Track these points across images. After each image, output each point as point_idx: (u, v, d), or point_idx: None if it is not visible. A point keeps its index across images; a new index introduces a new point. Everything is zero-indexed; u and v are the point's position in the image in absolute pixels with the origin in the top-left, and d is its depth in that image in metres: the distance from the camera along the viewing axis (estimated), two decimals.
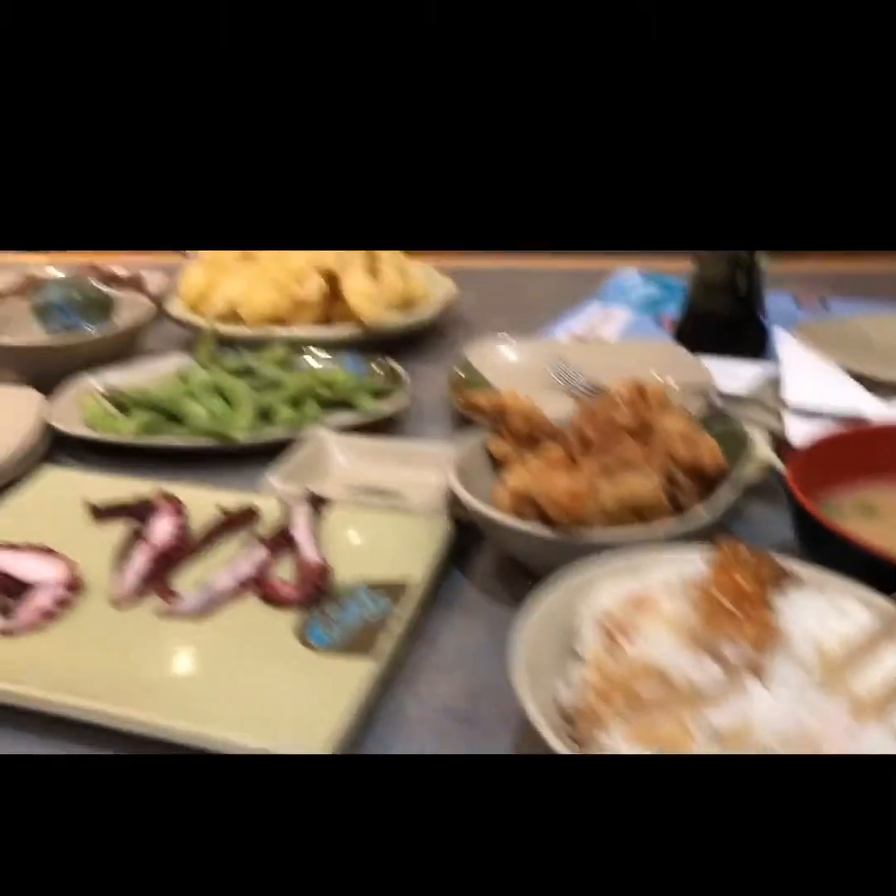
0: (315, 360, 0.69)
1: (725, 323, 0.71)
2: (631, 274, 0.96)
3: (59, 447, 0.58)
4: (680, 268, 0.78)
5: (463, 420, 0.62)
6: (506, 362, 0.69)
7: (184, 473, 0.55)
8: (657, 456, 0.43)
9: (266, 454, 0.55)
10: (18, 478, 0.53)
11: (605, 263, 0.99)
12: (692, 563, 0.34)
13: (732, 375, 0.62)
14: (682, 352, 0.67)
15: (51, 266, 0.93)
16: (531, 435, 0.48)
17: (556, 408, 0.57)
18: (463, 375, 0.66)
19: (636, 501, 0.41)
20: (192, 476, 0.55)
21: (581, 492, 0.39)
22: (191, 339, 0.78)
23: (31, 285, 0.83)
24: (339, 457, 0.55)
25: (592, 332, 0.82)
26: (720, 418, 0.50)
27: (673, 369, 0.63)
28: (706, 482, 0.43)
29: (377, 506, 0.49)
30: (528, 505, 0.40)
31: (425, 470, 0.53)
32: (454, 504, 0.46)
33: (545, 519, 0.40)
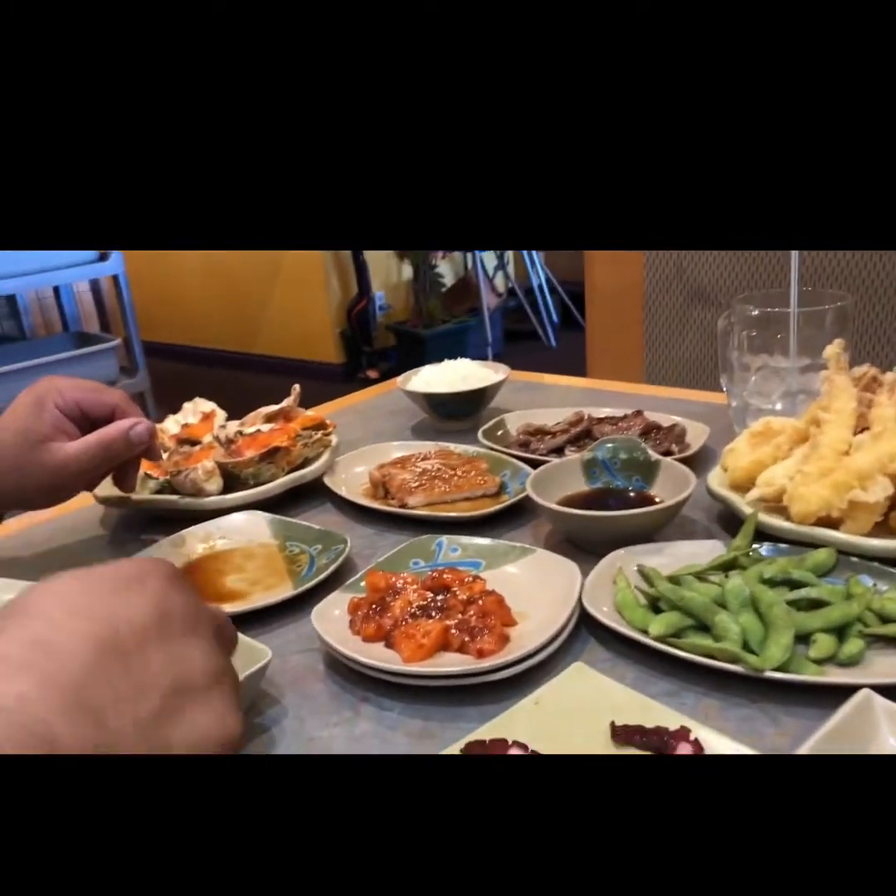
0: (866, 575, 0.61)
1: None
2: None
3: (588, 618, 0.60)
4: None
5: None
6: None
7: (702, 684, 0.54)
8: None
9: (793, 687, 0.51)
10: (555, 657, 0.56)
11: None
12: None
13: None
14: None
15: (601, 404, 1.00)
16: None
17: None
18: None
19: None
20: (711, 691, 0.53)
21: None
22: (725, 514, 0.76)
23: (584, 432, 0.90)
24: (887, 734, 0.47)
25: None
26: None
27: None
28: None
29: None
30: None
31: None
32: None
33: None
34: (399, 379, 1.05)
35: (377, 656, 0.56)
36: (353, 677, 0.57)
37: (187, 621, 0.35)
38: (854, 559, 0.63)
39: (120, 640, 0.32)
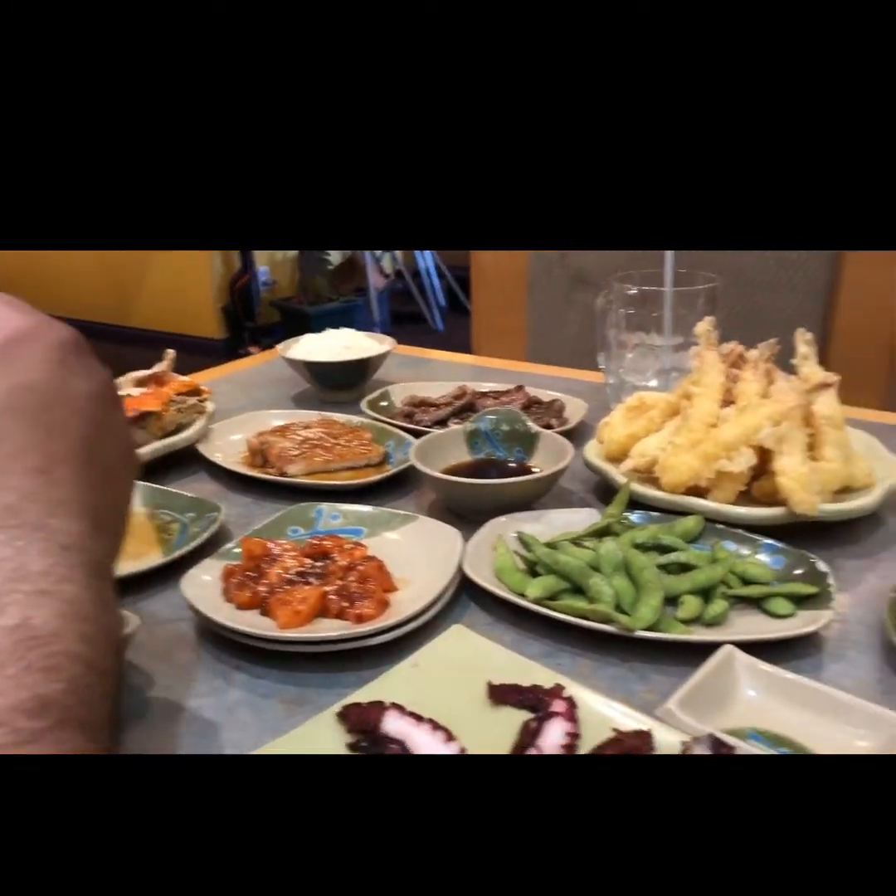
0: (729, 541, 0.64)
1: None
2: None
3: (468, 584, 0.61)
4: None
5: None
6: None
7: (576, 645, 0.56)
8: None
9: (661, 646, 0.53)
10: (434, 620, 0.56)
11: None
12: None
13: None
14: None
15: (485, 380, 1.00)
16: None
17: None
18: None
19: None
20: (585, 651, 0.55)
21: None
22: (600, 485, 0.78)
23: (467, 405, 0.90)
24: (746, 687, 0.49)
25: None
26: None
27: None
28: None
29: None
30: None
31: (851, 731, 0.45)
32: None
33: None
34: (280, 346, 1.02)
35: (251, 623, 0.54)
36: (225, 646, 0.56)
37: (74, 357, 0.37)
38: (719, 526, 0.66)
39: None
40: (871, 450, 0.76)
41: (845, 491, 0.70)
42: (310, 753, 0.44)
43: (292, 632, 0.54)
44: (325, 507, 0.68)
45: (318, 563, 0.59)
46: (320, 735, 0.46)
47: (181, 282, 4.16)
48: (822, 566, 0.60)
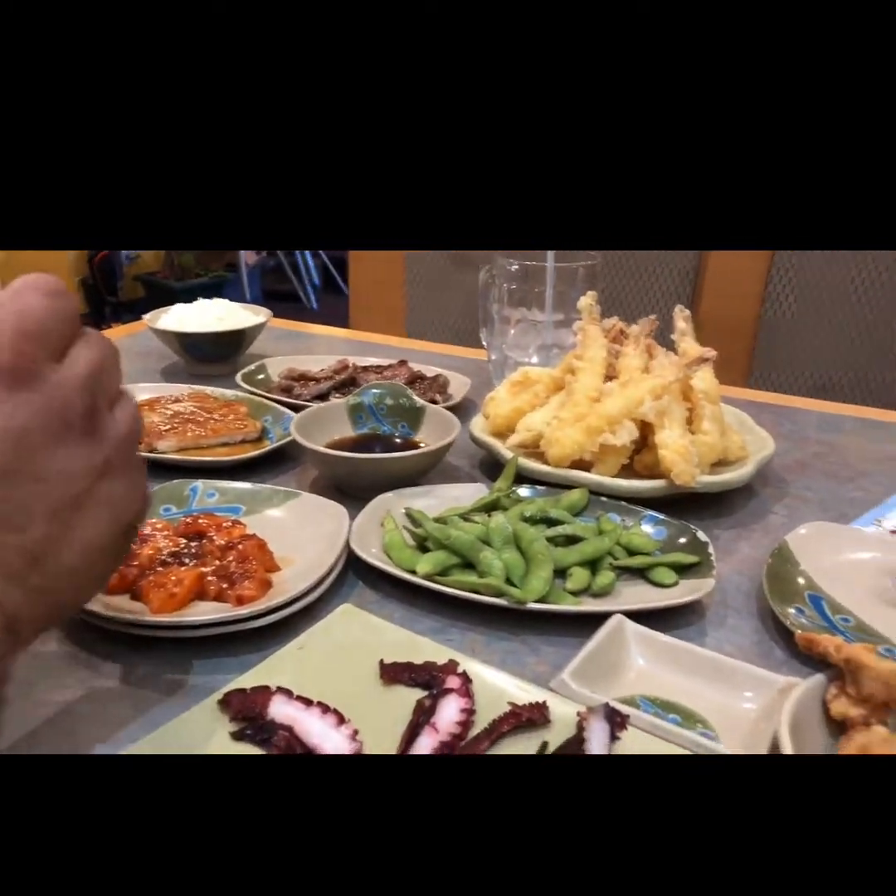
0: (614, 513, 0.65)
1: None
2: None
3: (355, 561, 0.58)
4: None
5: (773, 618, 0.54)
6: (832, 558, 0.60)
7: (467, 620, 0.55)
8: None
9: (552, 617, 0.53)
10: (320, 600, 0.54)
11: None
12: None
13: None
14: None
15: (365, 353, 0.98)
16: (887, 704, 0.40)
17: None
18: (777, 564, 0.59)
19: None
20: (476, 625, 0.54)
21: None
22: (487, 460, 0.77)
23: (349, 379, 0.87)
24: (636, 655, 0.50)
25: None
26: None
27: None
28: None
29: (681, 740, 0.43)
30: None
31: (736, 694, 0.47)
32: None
33: None
34: (147, 316, 0.96)
35: (121, 608, 0.50)
36: (92, 634, 0.51)
37: (46, 430, 0.31)
38: (604, 499, 0.67)
39: None
40: (743, 424, 0.79)
41: (721, 464, 0.72)
42: (190, 746, 0.41)
43: (167, 616, 0.50)
44: (200, 484, 0.64)
45: (194, 543, 0.56)
46: (201, 725, 0.42)
47: (34, 255, 3.88)
48: (702, 536, 0.61)
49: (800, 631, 0.49)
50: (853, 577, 0.58)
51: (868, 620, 0.54)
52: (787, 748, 0.37)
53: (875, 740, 0.39)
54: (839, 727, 0.41)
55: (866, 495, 0.74)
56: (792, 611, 0.54)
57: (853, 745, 0.39)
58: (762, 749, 0.41)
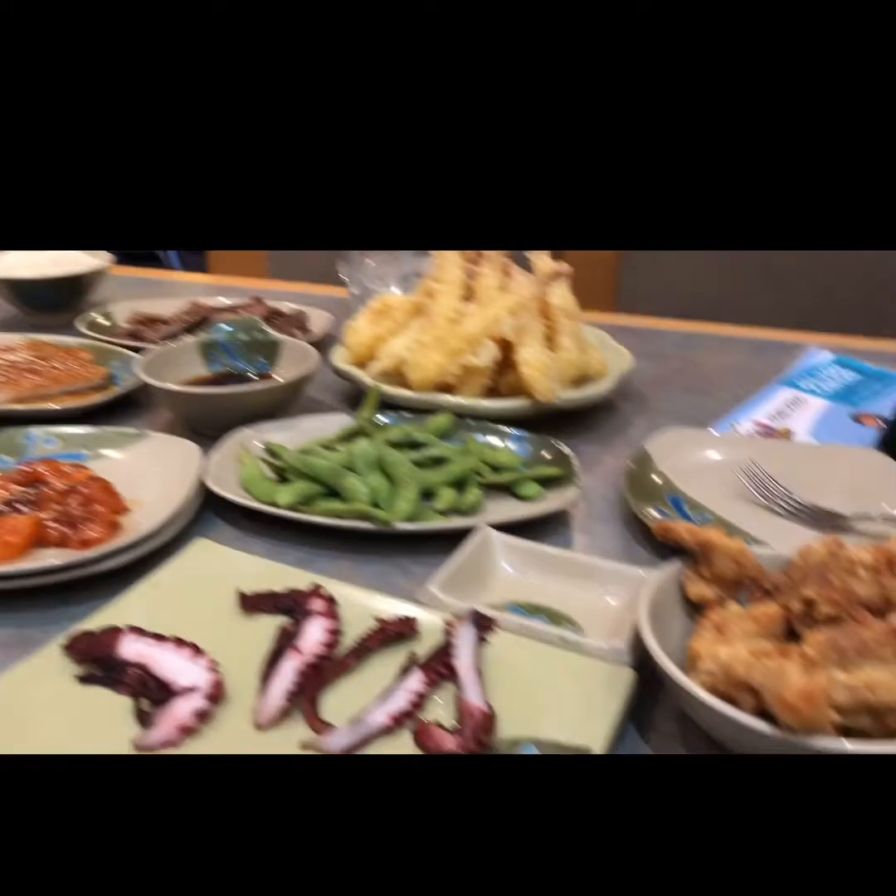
0: (479, 434, 0.65)
1: None
2: (825, 357, 0.87)
3: (213, 501, 0.56)
4: (879, 349, 0.69)
5: (636, 522, 0.55)
6: (688, 460, 0.62)
7: (334, 548, 0.53)
8: None
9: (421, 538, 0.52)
10: (173, 539, 0.51)
11: (791, 336, 0.91)
12: None
13: None
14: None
15: (221, 296, 0.93)
16: (738, 581, 0.42)
17: (753, 525, 0.52)
18: (638, 469, 0.60)
19: (877, 701, 0.33)
20: (344, 552, 0.52)
21: (817, 693, 0.32)
22: (351, 392, 0.76)
23: (201, 320, 0.83)
24: (503, 564, 0.50)
25: (780, 422, 0.74)
26: None
27: (887, 491, 0.55)
28: None
29: (548, 637, 0.43)
30: (745, 691, 0.34)
31: (601, 591, 0.47)
32: (638, 649, 0.40)
33: (762, 708, 0.33)
34: None
35: None
36: None
37: None
38: (470, 421, 0.66)
39: None
40: (602, 342, 0.80)
41: (582, 380, 0.73)
42: (31, 695, 0.38)
43: (5, 566, 0.46)
44: (36, 431, 0.59)
45: (31, 491, 0.51)
46: (44, 672, 0.39)
47: None
48: (565, 449, 0.62)
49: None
50: (710, 477, 0.60)
51: (725, 515, 0.55)
52: (647, 633, 0.38)
53: (730, 617, 0.40)
54: (696, 608, 0.42)
55: (722, 405, 0.76)
56: (653, 511, 0.55)
57: (710, 623, 0.40)
58: (624, 637, 0.41)
